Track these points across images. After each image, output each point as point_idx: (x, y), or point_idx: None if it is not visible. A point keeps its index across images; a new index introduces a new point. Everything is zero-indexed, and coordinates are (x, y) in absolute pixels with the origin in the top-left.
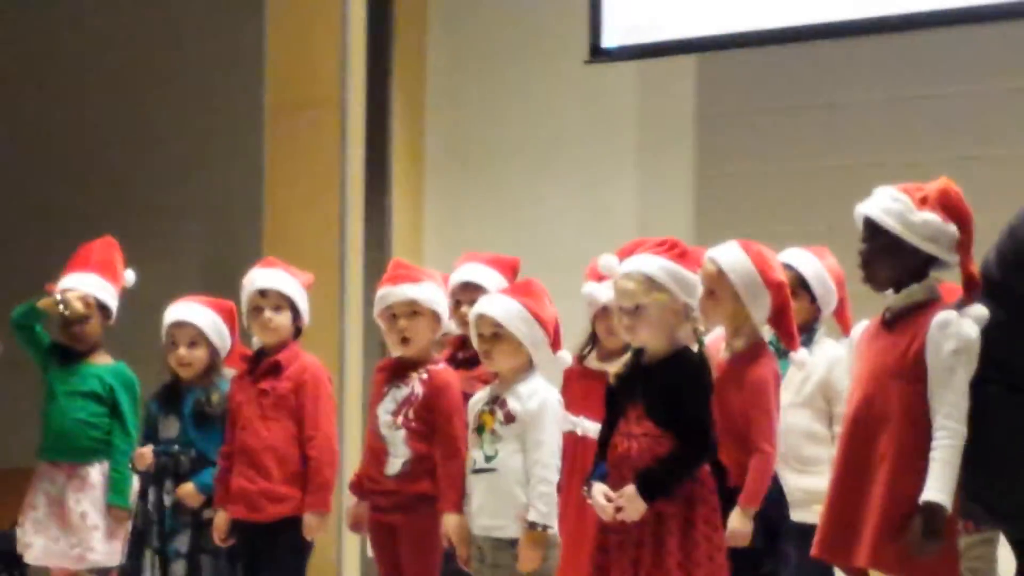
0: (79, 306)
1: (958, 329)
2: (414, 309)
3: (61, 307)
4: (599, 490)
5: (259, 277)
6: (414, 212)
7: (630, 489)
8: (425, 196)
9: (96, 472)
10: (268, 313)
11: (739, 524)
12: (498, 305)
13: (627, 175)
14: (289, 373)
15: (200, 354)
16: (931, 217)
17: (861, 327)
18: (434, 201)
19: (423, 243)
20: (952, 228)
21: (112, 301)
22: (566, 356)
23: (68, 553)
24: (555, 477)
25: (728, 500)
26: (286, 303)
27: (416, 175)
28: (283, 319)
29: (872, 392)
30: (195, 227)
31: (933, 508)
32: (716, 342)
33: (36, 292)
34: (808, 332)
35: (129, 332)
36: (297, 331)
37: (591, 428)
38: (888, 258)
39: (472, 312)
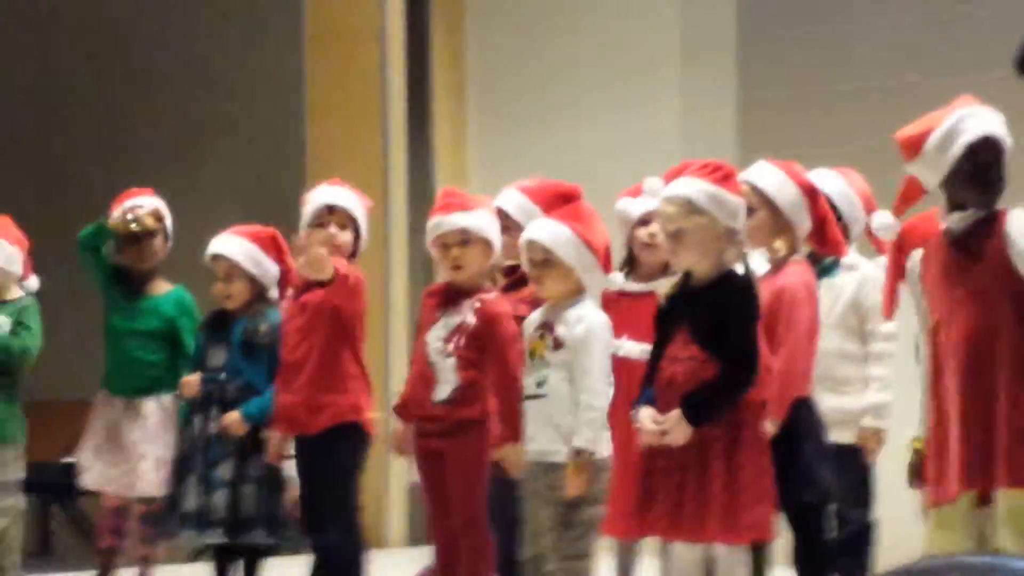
0: (149, 220)
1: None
2: (465, 237)
3: (131, 222)
4: (646, 414)
5: (328, 193)
6: (457, 140)
7: (675, 413)
8: (467, 124)
9: (151, 404)
10: (334, 229)
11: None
12: (547, 230)
13: (670, 101)
14: (327, 282)
15: (239, 286)
16: None
17: (919, 253)
18: (476, 128)
19: (467, 171)
20: None
21: (170, 224)
22: (617, 278)
23: (119, 480)
24: (603, 403)
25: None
26: (351, 222)
27: (458, 103)
28: (347, 237)
29: (978, 321)
30: (238, 159)
31: None
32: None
33: (95, 221)
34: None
35: (178, 264)
36: (354, 253)
37: (633, 350)
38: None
39: (522, 237)
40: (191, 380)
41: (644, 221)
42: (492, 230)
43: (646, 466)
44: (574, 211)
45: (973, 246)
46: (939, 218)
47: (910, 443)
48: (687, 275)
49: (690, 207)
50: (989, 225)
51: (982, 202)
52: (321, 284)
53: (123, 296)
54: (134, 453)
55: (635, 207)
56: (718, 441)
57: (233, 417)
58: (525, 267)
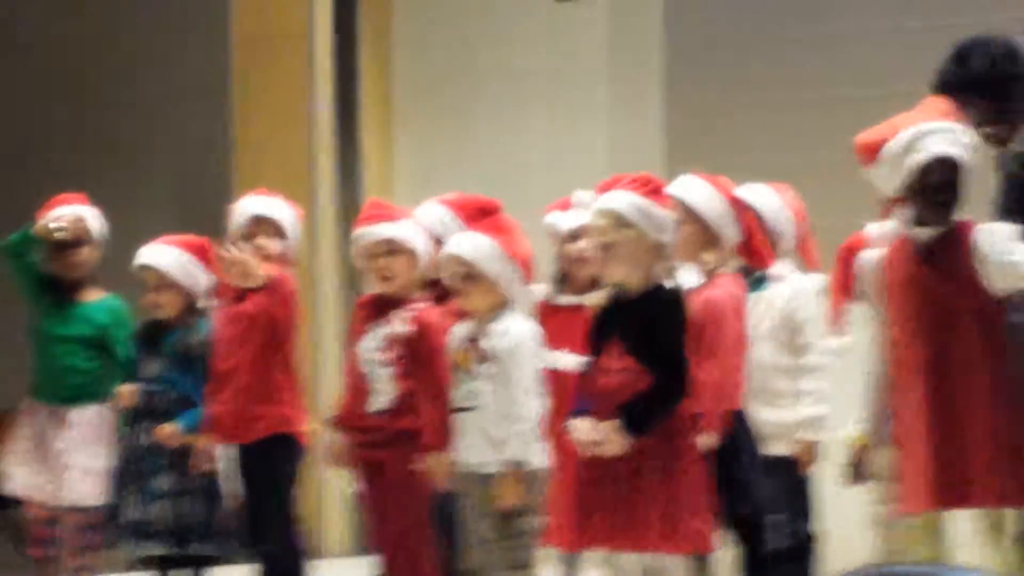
0: (75, 228)
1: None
2: (391, 248)
3: (57, 231)
4: (581, 425)
5: (256, 204)
6: (384, 146)
7: (611, 424)
8: (395, 129)
9: (77, 413)
10: (262, 240)
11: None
12: (468, 244)
13: (598, 110)
14: (259, 290)
15: (169, 296)
16: None
17: (871, 256)
18: (404, 135)
19: (394, 177)
20: None
21: (101, 233)
22: (540, 289)
23: (45, 488)
24: (532, 414)
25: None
26: (279, 232)
27: (385, 109)
28: (276, 247)
29: (947, 338)
30: (164, 163)
31: None
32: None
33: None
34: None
35: (101, 275)
36: (285, 263)
37: (569, 362)
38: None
39: (443, 252)
40: (126, 390)
41: (574, 236)
42: (418, 240)
43: (583, 477)
44: (493, 223)
45: (940, 261)
46: (900, 223)
47: (846, 440)
48: (618, 288)
49: (620, 220)
50: (955, 238)
51: (937, 220)
52: (252, 291)
53: (54, 303)
54: (59, 462)
55: (564, 221)
56: (654, 452)
57: (168, 429)
58: (447, 281)
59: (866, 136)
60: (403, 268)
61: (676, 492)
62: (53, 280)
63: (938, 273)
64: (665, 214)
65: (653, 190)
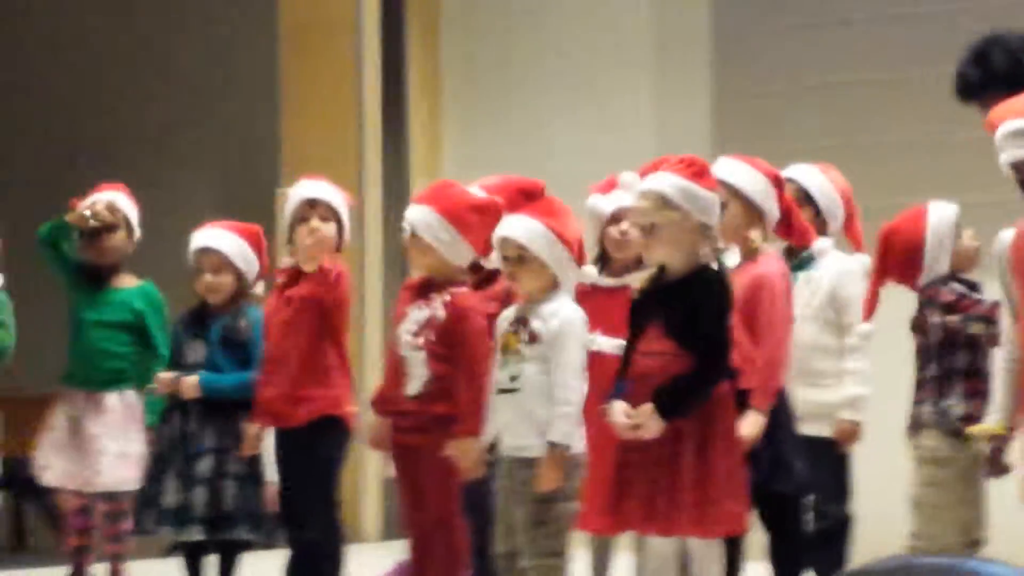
0: (107, 214)
1: None
2: None
3: (89, 218)
4: (618, 407)
5: (308, 187)
6: (432, 135)
7: (647, 407)
8: (443, 118)
9: (114, 398)
10: (316, 222)
11: (748, 426)
12: (520, 226)
13: (643, 93)
14: (310, 276)
15: (227, 280)
16: None
17: (1008, 236)
18: (452, 123)
19: (442, 165)
20: None
21: (136, 219)
22: (591, 271)
23: (78, 475)
24: (577, 398)
25: (740, 402)
26: (333, 215)
27: (433, 98)
28: (330, 230)
29: None
30: (213, 153)
31: None
32: None
33: (55, 217)
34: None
35: (151, 260)
36: (338, 246)
37: (606, 345)
38: None
39: (495, 234)
40: (166, 377)
41: (616, 218)
42: None
43: (619, 460)
44: (546, 206)
45: None
46: None
47: (981, 432)
48: (661, 270)
49: (663, 202)
50: None
51: None
52: (305, 276)
53: (89, 290)
54: (94, 447)
55: (606, 204)
56: (690, 435)
57: (190, 381)
58: (498, 263)
59: (999, 108)
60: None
61: (711, 475)
62: (87, 267)
63: None
64: (709, 195)
65: (697, 172)
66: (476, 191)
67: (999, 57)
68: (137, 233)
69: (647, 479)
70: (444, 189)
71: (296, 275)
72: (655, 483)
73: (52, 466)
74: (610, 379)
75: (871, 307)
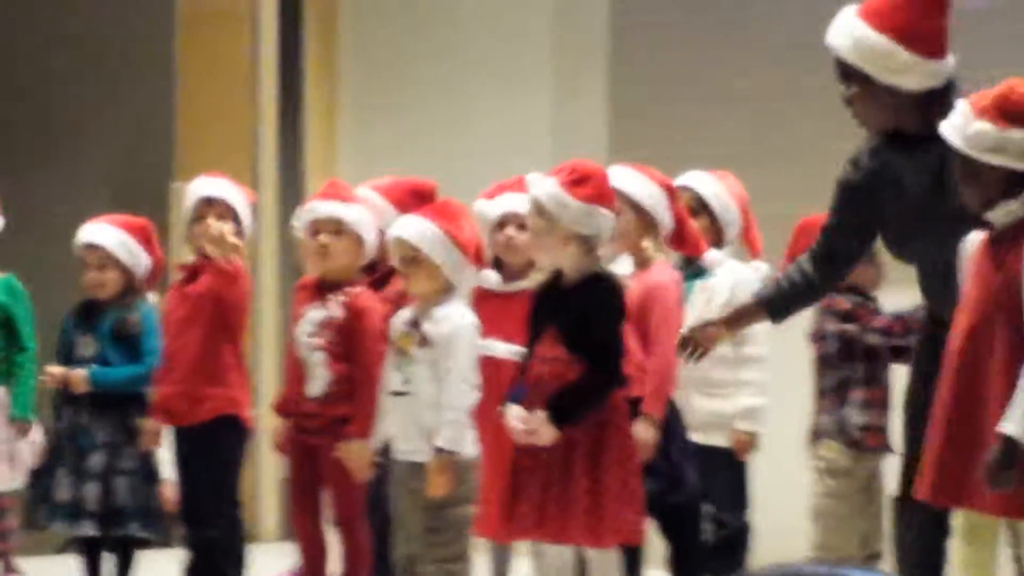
0: None
1: None
2: (339, 228)
3: None
4: (514, 412)
5: (206, 185)
6: (328, 131)
7: (540, 414)
8: (339, 114)
9: None
10: (212, 221)
11: (642, 433)
12: (414, 228)
13: (541, 94)
14: (208, 272)
15: (112, 276)
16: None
17: (972, 241)
18: (348, 119)
19: (337, 160)
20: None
21: None
22: (489, 275)
23: None
24: (465, 403)
25: (632, 410)
26: (230, 213)
27: (329, 93)
28: (226, 229)
29: (976, 323)
30: (105, 144)
31: (1006, 440)
32: None
33: None
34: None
35: (42, 252)
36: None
37: (501, 350)
38: (972, 182)
39: (389, 235)
40: (57, 371)
41: (501, 223)
42: (367, 227)
43: (514, 465)
44: (442, 208)
45: (1001, 248)
46: None
47: None
48: (557, 274)
49: (537, 209)
50: (1020, 232)
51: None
52: (202, 272)
53: None
54: None
55: (491, 209)
56: (582, 442)
57: (79, 374)
58: (395, 263)
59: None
60: (345, 250)
61: (605, 483)
62: None
63: (993, 261)
64: (581, 206)
65: (576, 180)
66: (365, 192)
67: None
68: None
69: (540, 485)
70: (446, 205)
71: (194, 271)
72: (548, 490)
73: None
74: (505, 384)
75: None
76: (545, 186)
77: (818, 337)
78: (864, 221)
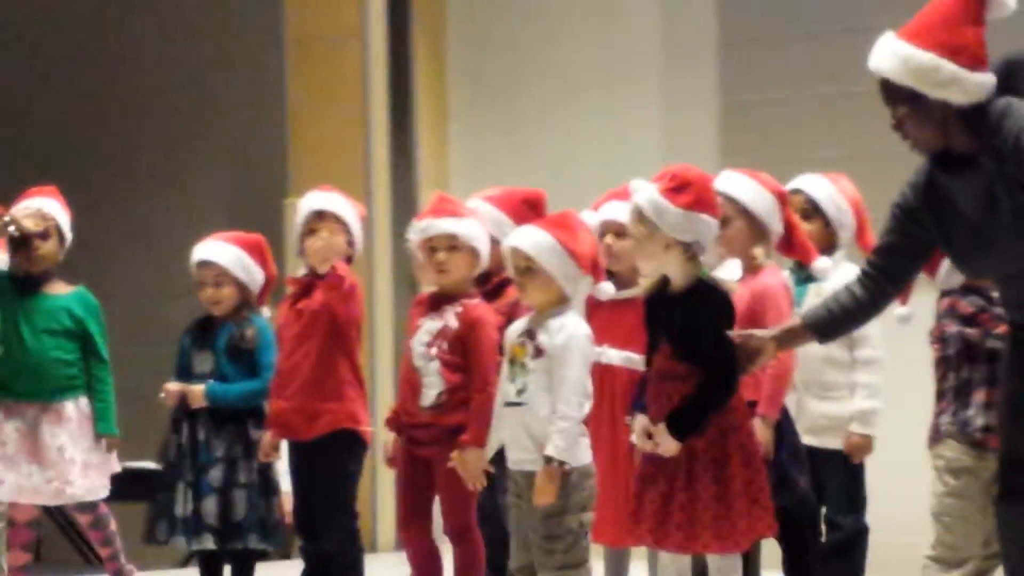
0: (29, 223)
1: None
2: (453, 243)
3: (9, 226)
4: (639, 423)
5: (317, 199)
6: (439, 145)
7: (662, 427)
8: (449, 129)
9: (71, 406)
10: (325, 233)
11: (758, 435)
12: (529, 238)
13: (650, 103)
14: (321, 287)
15: (228, 292)
16: None
17: None
18: (459, 133)
19: (449, 175)
20: None
21: (67, 225)
22: (608, 287)
23: (43, 488)
24: (578, 413)
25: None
26: (341, 227)
27: (440, 106)
28: (339, 241)
29: None
30: (220, 163)
31: None
32: None
33: None
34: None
35: (157, 270)
36: (348, 258)
37: (615, 357)
38: None
39: (504, 244)
40: (174, 387)
41: (602, 232)
42: (480, 239)
43: (639, 472)
44: (559, 219)
45: None
46: None
47: None
48: (665, 280)
49: (638, 215)
50: None
51: None
52: (317, 287)
53: (20, 298)
54: (60, 458)
55: (593, 218)
56: (705, 452)
57: (197, 389)
58: (510, 273)
59: None
60: (461, 264)
61: (732, 489)
62: (18, 277)
63: None
64: (679, 212)
65: (676, 187)
66: (477, 204)
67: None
68: (69, 239)
69: (661, 494)
70: (564, 216)
71: (307, 286)
72: (671, 499)
73: (5, 481)
74: (620, 391)
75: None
76: (646, 192)
77: (939, 339)
78: (922, 244)
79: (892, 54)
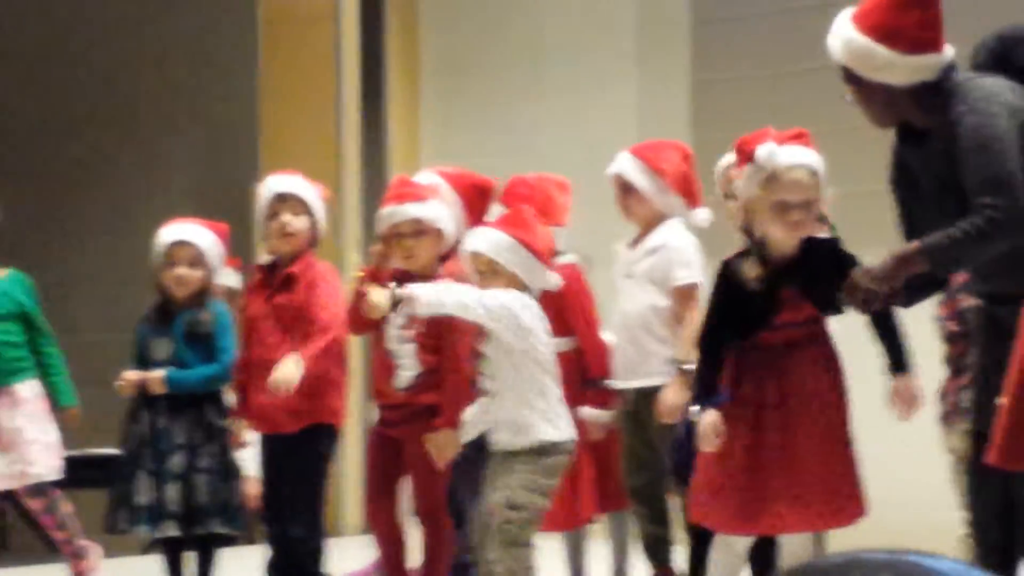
0: None
1: None
2: (419, 228)
3: None
4: (710, 417)
5: (278, 182)
6: (410, 125)
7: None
8: (421, 110)
9: (24, 388)
10: (287, 217)
11: None
12: (488, 241)
13: (625, 82)
14: (303, 284)
15: (198, 274)
16: None
17: None
18: (430, 115)
19: (420, 156)
20: None
21: None
22: (554, 278)
23: (5, 472)
24: (461, 299)
25: None
26: (304, 209)
27: (412, 88)
28: (301, 224)
29: None
30: (190, 145)
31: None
32: None
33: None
34: None
35: (124, 257)
36: (312, 241)
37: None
38: None
39: (464, 249)
40: (133, 374)
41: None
42: (445, 220)
43: (741, 463)
44: (513, 218)
45: None
46: None
47: None
48: (760, 252)
49: (816, 179)
50: None
51: None
52: (282, 279)
53: None
54: (19, 440)
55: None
56: (807, 434)
57: (156, 376)
58: (471, 278)
59: None
60: (427, 247)
61: (833, 468)
62: None
63: None
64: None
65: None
66: (430, 176)
67: (1022, 56)
68: None
69: (775, 479)
70: (517, 214)
71: (272, 273)
72: (783, 482)
73: None
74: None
75: None
76: (814, 157)
77: (955, 314)
78: (906, 212)
79: (837, 35)
